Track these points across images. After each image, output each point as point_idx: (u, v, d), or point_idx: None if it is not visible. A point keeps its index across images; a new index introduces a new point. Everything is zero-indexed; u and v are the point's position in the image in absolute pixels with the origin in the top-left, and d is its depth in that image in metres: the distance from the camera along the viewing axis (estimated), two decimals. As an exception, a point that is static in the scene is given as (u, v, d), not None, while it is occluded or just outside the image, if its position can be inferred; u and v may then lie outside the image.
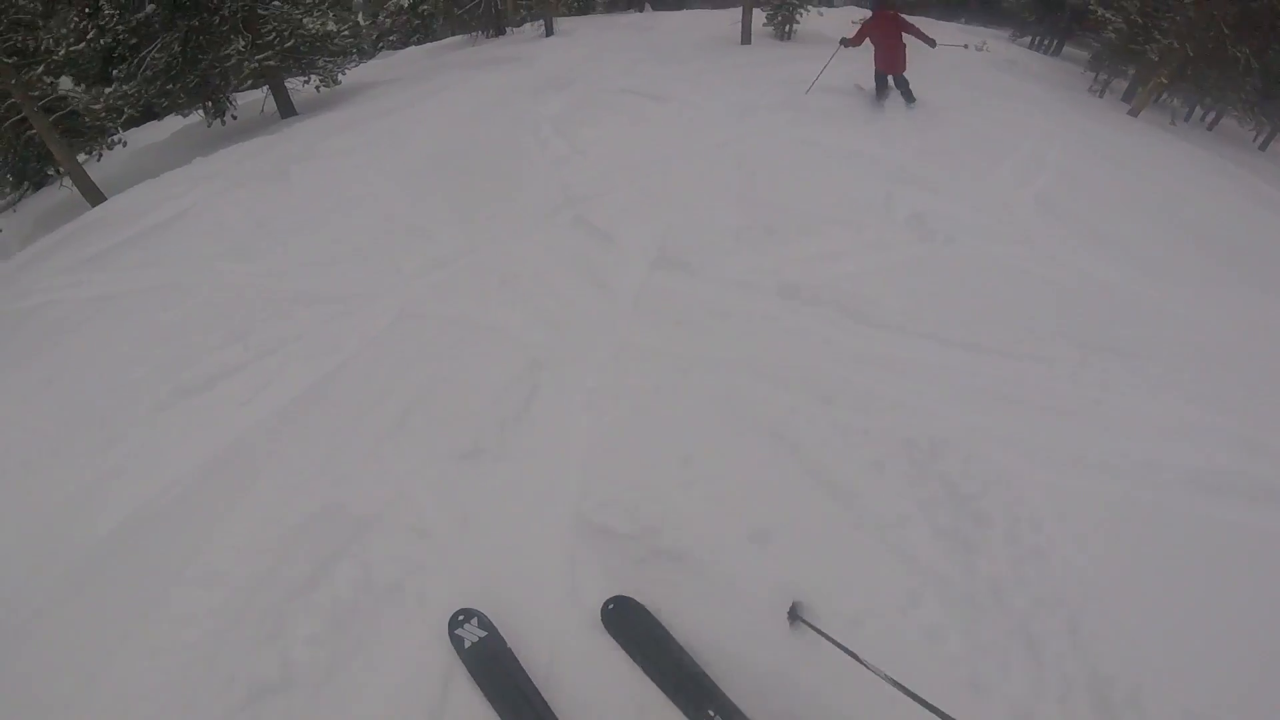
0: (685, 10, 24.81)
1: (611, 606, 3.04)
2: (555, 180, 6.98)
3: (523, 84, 11.77)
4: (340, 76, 16.19)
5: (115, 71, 14.83)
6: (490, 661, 2.89)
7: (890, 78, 9.72)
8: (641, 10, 26.51)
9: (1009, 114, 10.17)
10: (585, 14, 26.94)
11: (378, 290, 5.38)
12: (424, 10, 32.35)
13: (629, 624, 3.00)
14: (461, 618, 3.01)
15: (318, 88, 15.76)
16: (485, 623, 3.02)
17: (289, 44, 14.01)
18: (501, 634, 2.98)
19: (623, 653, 2.93)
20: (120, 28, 13.46)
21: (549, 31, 20.10)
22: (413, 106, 10.95)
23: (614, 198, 6.42)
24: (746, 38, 15.69)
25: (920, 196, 6.52)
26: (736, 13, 16.49)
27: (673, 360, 4.29)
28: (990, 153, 8.13)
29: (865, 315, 4.70)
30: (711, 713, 2.60)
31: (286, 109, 15.63)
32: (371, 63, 25.38)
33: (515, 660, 2.91)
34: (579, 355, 4.39)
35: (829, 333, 4.53)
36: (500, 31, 22.56)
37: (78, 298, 6.36)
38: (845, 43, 9.68)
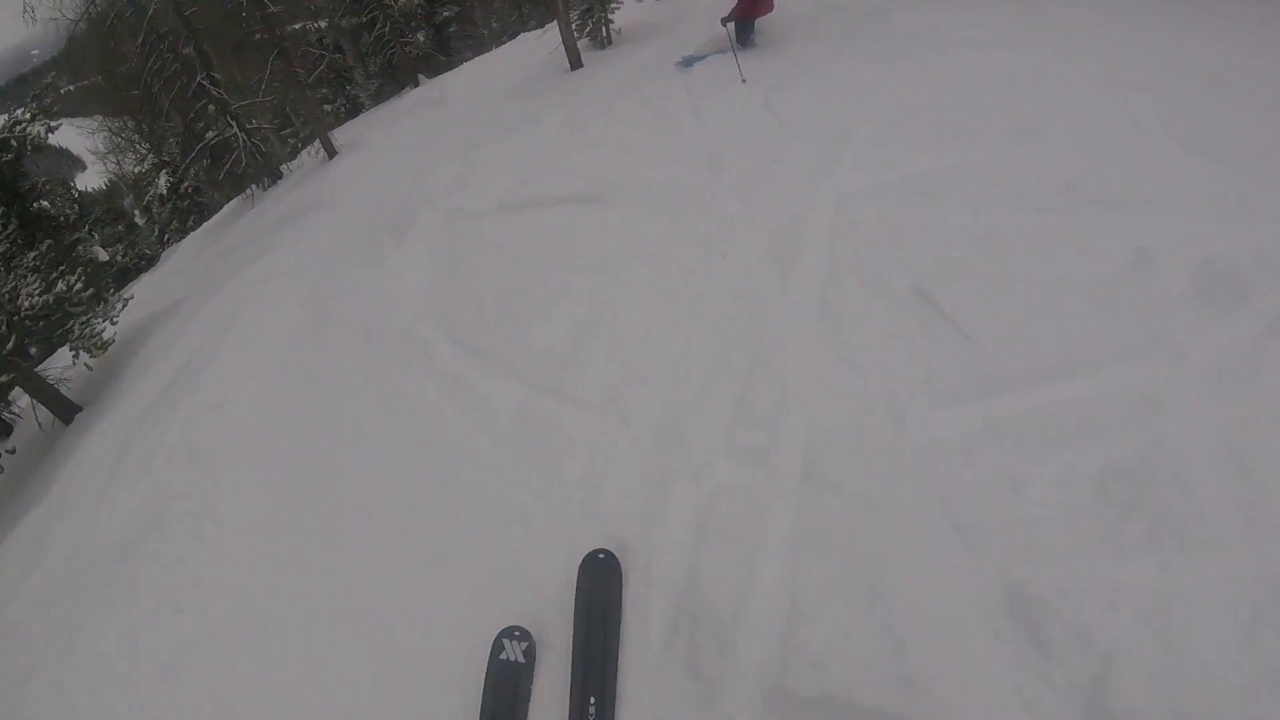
0: (463, 66, 20.87)
1: (602, 556, 3.08)
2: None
3: (340, 247, 7.89)
4: (110, 329, 11.68)
5: None
6: (511, 685, 2.89)
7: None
8: (417, 85, 22.41)
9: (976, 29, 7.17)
10: (356, 114, 22.75)
11: None
12: (186, 188, 27.48)
13: (598, 581, 3.01)
14: (518, 634, 3.00)
15: (87, 365, 11.28)
16: (530, 651, 3.00)
17: (10, 341, 9.56)
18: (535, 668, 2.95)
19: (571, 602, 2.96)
20: None
21: (330, 153, 15.95)
22: (208, 368, 6.79)
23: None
24: (575, 61, 11.85)
25: (1160, 227, 3.73)
26: (519, 47, 12.72)
27: None
28: (1071, 98, 5.37)
29: None
30: (592, 700, 2.63)
31: (64, 407, 11.15)
32: (153, 275, 20.54)
33: (528, 697, 2.91)
34: None
35: None
36: (275, 176, 18.21)
37: None
38: (728, 21, 8.53)
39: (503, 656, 2.90)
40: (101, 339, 11.37)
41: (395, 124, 16.12)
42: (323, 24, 27.88)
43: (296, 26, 26.58)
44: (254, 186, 18.20)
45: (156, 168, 28.73)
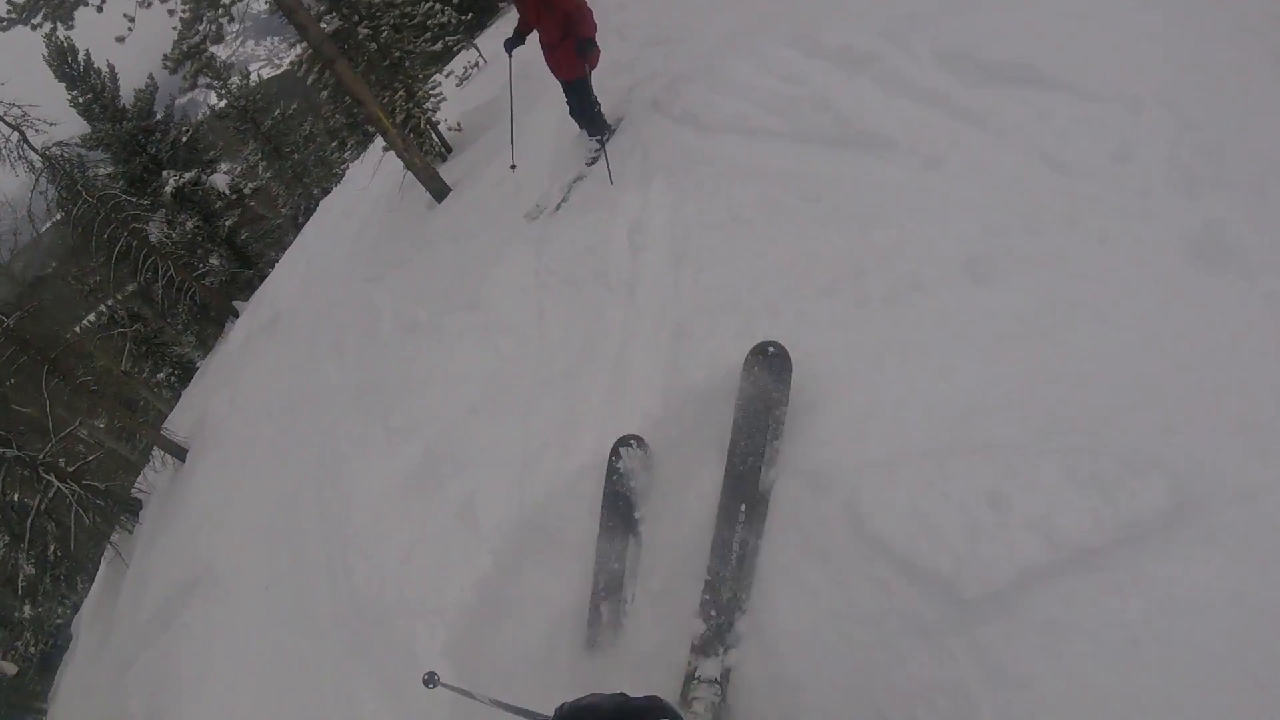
0: (275, 268, 16.63)
1: (773, 350, 2.60)
2: None
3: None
4: None
5: None
6: (626, 490, 2.72)
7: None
8: (237, 315, 17.80)
9: None
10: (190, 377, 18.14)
11: None
12: (54, 554, 21.75)
13: (766, 377, 2.53)
14: (634, 442, 2.79)
15: None
16: (647, 460, 2.80)
17: None
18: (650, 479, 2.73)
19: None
20: None
21: (179, 458, 11.53)
22: None
23: None
24: (438, 187, 7.70)
25: None
26: (328, 216, 8.82)
27: None
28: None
29: None
30: (743, 508, 2.33)
31: None
32: (70, 675, 15.27)
33: (635, 501, 2.72)
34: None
35: None
36: (135, 509, 13.45)
37: None
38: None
39: (619, 463, 2.75)
40: None
41: (237, 377, 11.89)
42: (108, 303, 22.82)
43: (88, 320, 21.62)
44: (115, 536, 13.41)
45: (10, 548, 23.02)
